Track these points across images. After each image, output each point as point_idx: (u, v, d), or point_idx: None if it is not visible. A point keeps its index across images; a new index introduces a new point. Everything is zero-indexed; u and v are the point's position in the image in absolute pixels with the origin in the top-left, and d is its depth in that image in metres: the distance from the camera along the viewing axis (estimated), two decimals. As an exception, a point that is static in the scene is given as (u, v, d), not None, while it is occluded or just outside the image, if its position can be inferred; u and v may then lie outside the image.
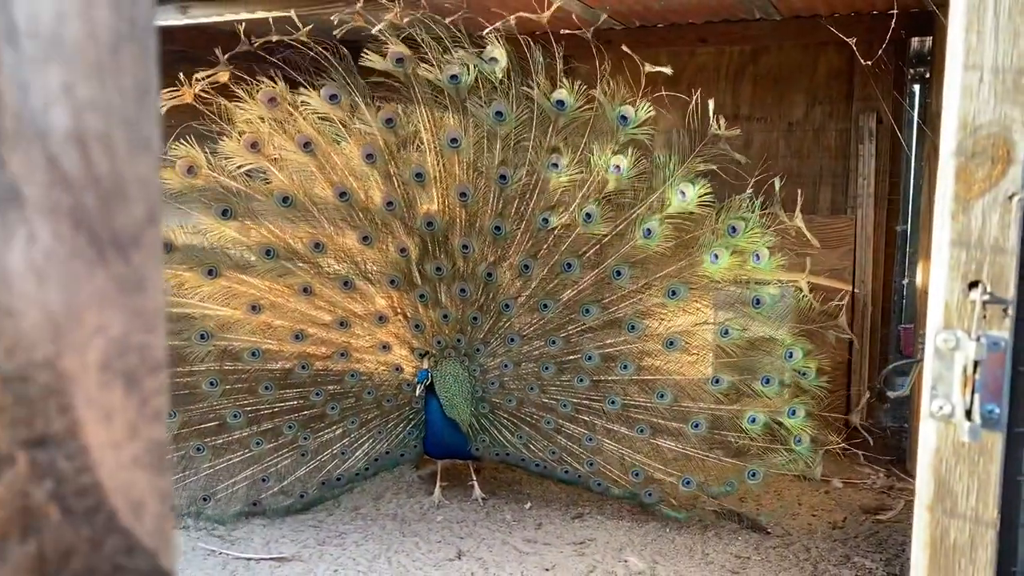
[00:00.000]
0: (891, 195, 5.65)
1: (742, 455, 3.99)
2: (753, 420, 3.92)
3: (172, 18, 5.58)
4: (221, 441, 4.10)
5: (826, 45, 5.76)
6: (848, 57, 5.62)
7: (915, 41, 5.29)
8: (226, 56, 3.78)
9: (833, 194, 5.77)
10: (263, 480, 4.14)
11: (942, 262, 1.08)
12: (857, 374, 5.45)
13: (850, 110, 5.67)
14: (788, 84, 5.87)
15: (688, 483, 4.01)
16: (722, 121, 3.76)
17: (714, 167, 3.82)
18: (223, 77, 3.75)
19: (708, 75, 5.96)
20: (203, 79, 3.73)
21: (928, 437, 1.11)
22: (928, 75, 5.40)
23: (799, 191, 3.81)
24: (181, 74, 3.78)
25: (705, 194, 3.86)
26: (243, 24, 3.74)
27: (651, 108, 3.81)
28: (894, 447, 5.32)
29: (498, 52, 3.91)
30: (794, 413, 3.87)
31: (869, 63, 3.92)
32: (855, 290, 5.41)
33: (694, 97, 3.69)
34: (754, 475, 3.94)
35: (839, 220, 5.57)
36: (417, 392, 4.13)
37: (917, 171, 5.64)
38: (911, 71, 5.57)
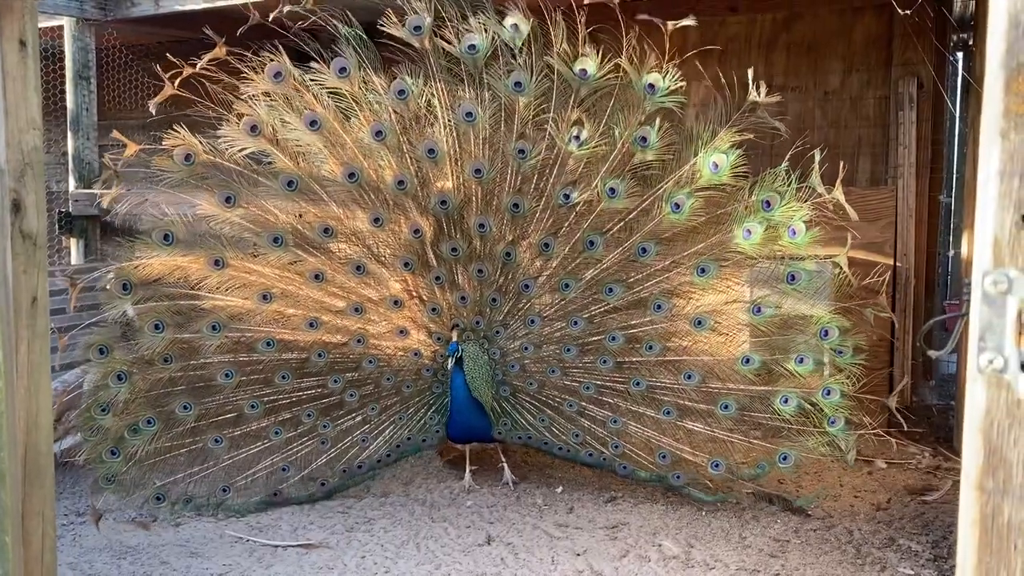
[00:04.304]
0: (934, 164, 5.38)
1: (774, 437, 3.82)
2: (785, 401, 3.76)
3: (191, 3, 5.52)
4: (239, 432, 4.00)
5: (863, 10, 5.51)
6: (887, 20, 5.36)
7: (958, 3, 5.00)
8: (220, 40, 3.67)
9: (872, 165, 5.52)
10: (283, 469, 4.04)
11: (990, 190, 0.90)
12: (900, 351, 5.21)
13: (889, 76, 5.42)
14: (823, 52, 5.63)
15: (717, 466, 3.87)
16: (762, 88, 3.57)
17: (750, 136, 3.63)
18: (220, 53, 3.64)
19: (739, 45, 5.74)
20: (198, 66, 3.65)
21: (976, 397, 0.93)
22: (971, 41, 5.11)
23: (841, 164, 3.60)
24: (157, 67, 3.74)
25: (739, 165, 3.69)
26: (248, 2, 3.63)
27: (680, 76, 3.64)
28: (940, 425, 5.09)
29: (519, 19, 3.76)
30: (829, 393, 3.70)
31: (908, 12, 3.67)
32: (896, 264, 5.16)
33: (729, 67, 3.52)
34: (785, 458, 3.79)
35: (879, 191, 5.31)
36: (449, 366, 4.02)
37: (961, 138, 5.36)
38: (954, 37, 5.29)
